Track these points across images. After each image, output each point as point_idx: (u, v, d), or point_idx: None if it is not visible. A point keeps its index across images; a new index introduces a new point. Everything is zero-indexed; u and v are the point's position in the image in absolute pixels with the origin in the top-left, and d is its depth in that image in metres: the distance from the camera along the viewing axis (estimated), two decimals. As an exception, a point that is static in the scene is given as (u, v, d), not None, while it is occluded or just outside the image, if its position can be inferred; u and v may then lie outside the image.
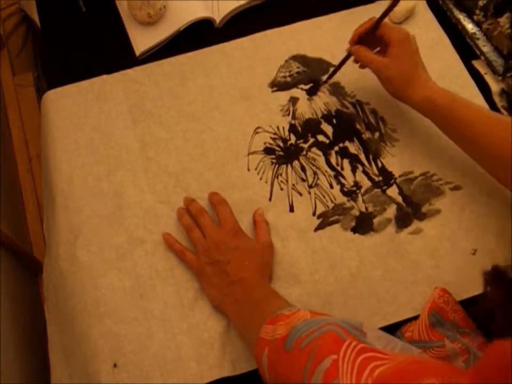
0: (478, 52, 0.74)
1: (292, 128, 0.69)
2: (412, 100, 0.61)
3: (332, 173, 0.67)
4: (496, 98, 0.71)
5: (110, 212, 0.64)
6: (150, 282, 0.60)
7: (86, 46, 0.76)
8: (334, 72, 0.71)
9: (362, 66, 0.67)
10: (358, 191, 0.65)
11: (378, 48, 0.65)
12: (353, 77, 0.73)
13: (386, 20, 0.64)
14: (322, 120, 0.70)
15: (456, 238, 0.63)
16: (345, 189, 0.66)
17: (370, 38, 0.64)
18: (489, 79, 0.73)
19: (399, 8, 0.75)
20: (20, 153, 1.27)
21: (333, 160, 0.67)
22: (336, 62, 0.74)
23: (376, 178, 0.66)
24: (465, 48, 0.75)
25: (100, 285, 0.60)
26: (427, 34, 0.76)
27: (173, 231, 0.63)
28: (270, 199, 0.65)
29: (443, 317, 0.55)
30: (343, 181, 0.66)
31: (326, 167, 0.67)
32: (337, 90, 0.72)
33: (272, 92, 0.72)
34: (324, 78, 0.73)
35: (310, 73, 0.73)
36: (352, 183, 0.66)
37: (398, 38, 0.61)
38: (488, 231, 0.63)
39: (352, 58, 0.67)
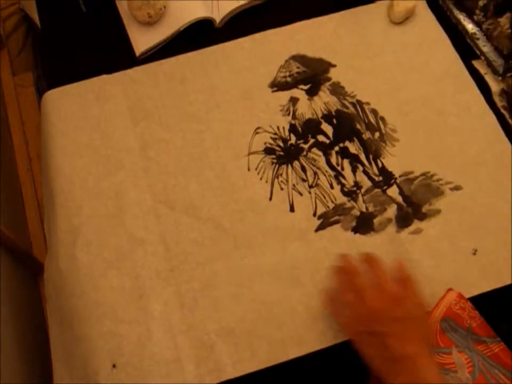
0: (478, 52, 0.74)
1: (292, 128, 0.69)
2: None
3: (332, 173, 0.67)
4: (496, 98, 0.71)
5: (110, 212, 0.64)
6: (149, 282, 0.60)
7: (86, 46, 0.76)
8: None
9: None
10: (358, 191, 0.65)
11: None
12: (353, 77, 0.73)
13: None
14: (322, 120, 0.70)
15: (456, 238, 0.63)
16: (346, 189, 0.66)
17: None
18: (489, 79, 0.73)
19: (399, 8, 0.75)
20: (20, 153, 1.27)
21: (333, 160, 0.67)
22: (336, 62, 0.74)
23: (376, 178, 0.66)
24: (465, 48, 0.75)
25: (99, 285, 0.60)
26: (427, 34, 0.76)
27: (172, 231, 0.63)
28: (270, 199, 0.65)
29: (458, 323, 0.55)
30: (343, 181, 0.66)
31: (326, 167, 0.67)
32: (337, 90, 0.72)
33: (272, 92, 0.72)
34: (324, 77, 0.73)
35: (310, 73, 0.73)
36: (352, 183, 0.66)
37: None
38: (488, 231, 0.63)
39: None
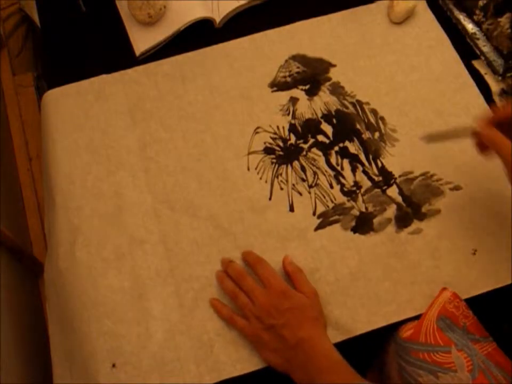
0: (478, 52, 0.74)
1: (292, 128, 0.69)
2: None
3: (332, 173, 0.67)
4: (496, 98, 0.71)
5: (110, 212, 0.64)
6: (149, 282, 0.60)
7: (86, 46, 0.76)
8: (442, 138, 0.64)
9: (483, 150, 0.58)
10: (358, 191, 0.65)
11: None
12: (353, 77, 0.73)
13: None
14: (322, 120, 0.70)
15: (456, 238, 0.63)
16: (345, 189, 0.66)
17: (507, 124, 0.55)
18: (489, 79, 0.73)
19: (399, 8, 0.75)
20: (20, 153, 1.27)
21: (333, 160, 0.67)
22: (336, 62, 0.74)
23: (376, 178, 0.66)
24: (465, 48, 0.75)
25: (99, 285, 0.60)
26: (427, 34, 0.76)
27: (172, 231, 0.63)
28: (270, 199, 0.65)
29: (453, 322, 0.55)
30: (343, 180, 0.66)
31: (326, 167, 0.67)
32: (337, 90, 0.72)
33: (272, 91, 0.72)
34: (324, 77, 0.73)
35: (310, 73, 0.73)
36: (352, 183, 0.66)
37: None
38: (488, 231, 0.63)
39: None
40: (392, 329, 0.57)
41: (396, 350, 0.55)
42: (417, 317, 0.57)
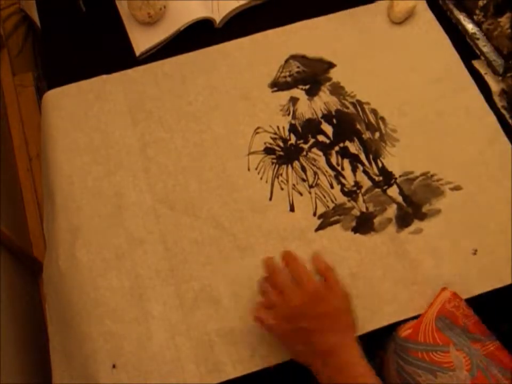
0: (478, 52, 0.74)
1: (292, 128, 0.69)
2: None
3: (332, 173, 0.67)
4: (496, 98, 0.71)
5: (110, 212, 0.64)
6: (149, 282, 0.60)
7: (86, 46, 0.76)
8: None
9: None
10: (358, 191, 0.65)
11: None
12: (353, 77, 0.73)
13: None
14: (322, 120, 0.70)
15: (457, 237, 0.63)
16: (346, 189, 0.66)
17: None
18: (489, 79, 0.73)
19: (399, 8, 0.75)
20: (20, 153, 1.27)
21: (333, 160, 0.67)
22: (336, 62, 0.74)
23: (376, 178, 0.66)
24: (465, 48, 0.75)
25: (99, 285, 0.60)
26: (427, 34, 0.76)
27: (172, 231, 0.63)
28: (270, 199, 0.65)
29: (453, 322, 0.55)
30: (343, 181, 0.66)
31: (326, 167, 0.67)
32: (337, 90, 0.72)
33: (272, 92, 0.72)
34: (324, 77, 0.73)
35: (310, 73, 0.73)
36: (352, 183, 0.66)
37: None
38: (488, 231, 0.63)
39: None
40: (392, 329, 0.57)
41: (395, 349, 0.55)
42: (417, 317, 0.57)
